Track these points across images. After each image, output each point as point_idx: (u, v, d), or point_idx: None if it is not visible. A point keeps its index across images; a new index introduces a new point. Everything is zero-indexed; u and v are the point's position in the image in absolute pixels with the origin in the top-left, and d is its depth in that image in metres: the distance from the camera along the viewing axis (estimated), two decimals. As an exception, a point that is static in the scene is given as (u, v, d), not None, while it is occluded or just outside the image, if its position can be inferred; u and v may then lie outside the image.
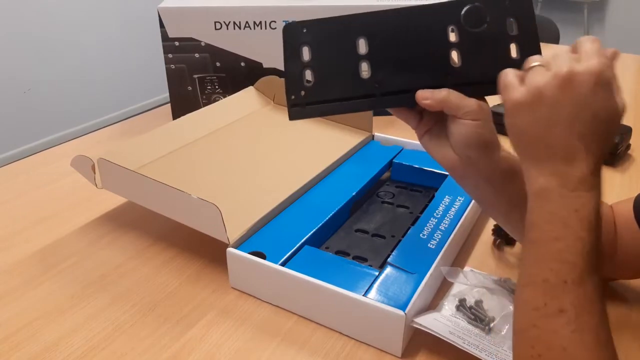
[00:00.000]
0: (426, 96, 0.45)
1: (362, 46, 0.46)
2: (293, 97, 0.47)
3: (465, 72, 0.45)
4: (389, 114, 0.50)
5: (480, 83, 0.45)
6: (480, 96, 0.45)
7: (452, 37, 0.45)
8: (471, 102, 0.44)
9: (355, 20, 0.46)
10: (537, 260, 0.38)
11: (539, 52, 0.44)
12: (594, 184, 0.38)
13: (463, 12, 0.45)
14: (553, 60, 0.39)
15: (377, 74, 0.46)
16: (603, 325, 0.37)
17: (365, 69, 0.46)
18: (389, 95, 0.46)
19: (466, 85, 0.45)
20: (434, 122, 0.48)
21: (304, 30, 0.46)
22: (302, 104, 0.47)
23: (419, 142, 0.50)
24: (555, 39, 2.09)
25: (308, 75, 0.46)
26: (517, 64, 0.43)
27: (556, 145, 0.38)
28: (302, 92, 0.47)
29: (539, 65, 0.40)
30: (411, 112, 0.48)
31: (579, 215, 0.37)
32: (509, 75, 0.41)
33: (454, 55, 0.45)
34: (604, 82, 0.37)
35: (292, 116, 0.47)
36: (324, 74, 0.46)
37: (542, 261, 0.38)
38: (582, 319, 0.36)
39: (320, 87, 0.47)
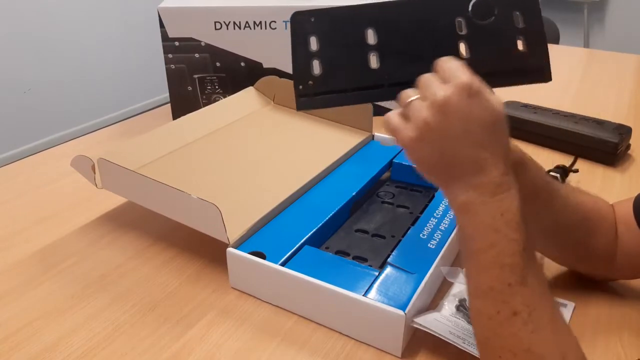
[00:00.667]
0: None
1: (371, 36, 0.46)
2: (301, 87, 0.46)
3: (474, 63, 0.45)
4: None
5: (488, 75, 0.45)
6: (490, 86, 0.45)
7: (461, 29, 0.45)
8: None
9: (364, 10, 0.46)
10: (478, 270, 0.40)
11: (544, 45, 0.45)
12: (510, 183, 0.40)
13: (471, 4, 0.45)
14: (426, 90, 0.41)
15: (385, 64, 0.46)
16: (556, 315, 0.38)
17: (373, 60, 0.46)
18: (398, 85, 0.45)
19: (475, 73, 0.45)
20: None
21: (312, 20, 0.46)
22: (310, 94, 0.47)
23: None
24: (555, 39, 2.09)
25: (316, 65, 0.46)
26: (524, 57, 0.44)
27: (462, 163, 0.40)
28: (310, 82, 0.46)
29: (415, 99, 0.41)
30: None
31: (505, 218, 0.39)
32: (392, 119, 0.43)
33: (462, 47, 0.45)
34: (475, 92, 0.39)
35: (300, 106, 0.47)
36: (332, 64, 0.46)
37: (483, 270, 0.39)
38: (536, 316, 0.37)
39: (328, 78, 0.46)
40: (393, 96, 0.46)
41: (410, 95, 0.42)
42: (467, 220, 0.40)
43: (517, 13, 0.45)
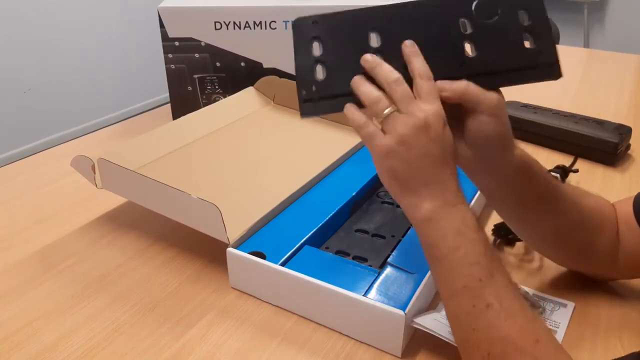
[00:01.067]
0: (444, 87, 0.44)
1: (374, 40, 0.45)
2: (304, 92, 0.46)
3: (481, 62, 0.45)
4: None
5: (496, 73, 0.45)
6: (496, 87, 0.45)
7: (466, 28, 0.45)
8: (492, 96, 0.44)
9: (367, 14, 0.45)
10: (448, 272, 0.42)
11: (552, 41, 0.45)
12: (463, 195, 0.44)
13: (475, 4, 0.45)
14: (405, 107, 0.43)
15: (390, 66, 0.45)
16: (523, 305, 0.41)
17: None
18: None
19: (482, 75, 0.44)
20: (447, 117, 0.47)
21: (314, 24, 0.45)
22: (314, 99, 0.46)
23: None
24: (555, 39, 2.09)
25: (319, 70, 0.46)
26: (532, 54, 0.44)
27: (429, 176, 0.43)
28: (314, 87, 0.46)
29: (394, 112, 0.43)
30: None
31: (466, 223, 0.42)
32: (369, 126, 0.44)
33: (468, 47, 0.45)
34: (445, 121, 0.43)
35: (304, 112, 0.46)
36: (335, 68, 0.46)
37: (453, 271, 0.42)
38: (507, 305, 0.40)
39: (332, 82, 0.46)
40: None
41: (383, 106, 0.44)
42: (431, 228, 0.43)
43: (522, 11, 0.45)
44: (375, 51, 0.45)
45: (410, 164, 0.43)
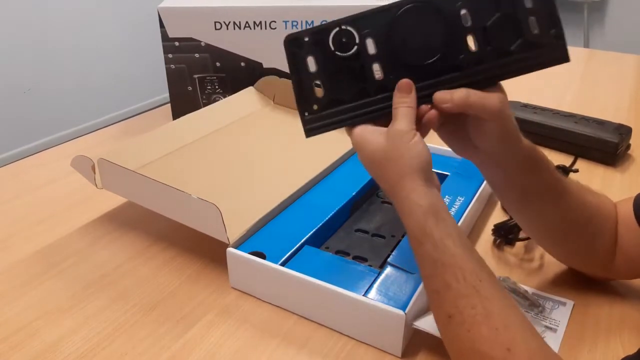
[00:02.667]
0: (445, 99, 0.43)
1: (371, 46, 0.44)
2: (306, 113, 0.45)
3: (484, 55, 0.43)
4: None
5: (502, 65, 0.43)
6: (501, 79, 0.44)
7: (467, 21, 0.43)
8: (493, 101, 0.43)
9: (359, 21, 0.44)
10: (422, 272, 0.44)
11: (559, 23, 0.43)
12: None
13: None
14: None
15: (390, 72, 0.44)
16: (491, 311, 0.38)
17: (377, 70, 0.44)
18: None
19: (486, 68, 0.43)
20: (450, 116, 0.46)
21: (306, 40, 0.44)
22: (317, 119, 0.45)
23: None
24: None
25: (318, 86, 0.44)
26: (538, 39, 0.43)
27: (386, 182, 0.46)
28: (315, 106, 0.45)
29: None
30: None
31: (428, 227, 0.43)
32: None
33: (470, 40, 0.43)
34: (362, 145, 0.46)
35: (309, 133, 0.45)
36: (335, 83, 0.44)
37: (423, 278, 0.43)
38: (467, 315, 0.38)
39: (332, 98, 0.44)
40: None
41: None
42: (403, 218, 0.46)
43: None
44: (373, 58, 0.44)
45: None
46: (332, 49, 0.44)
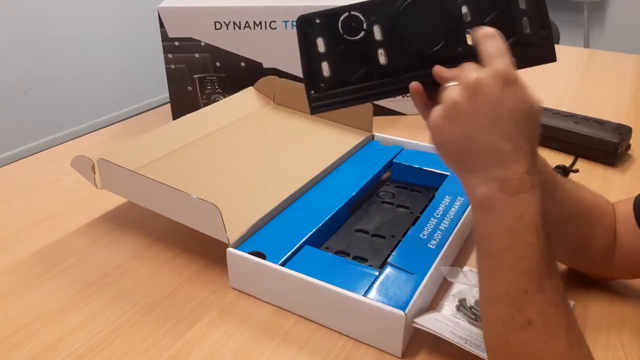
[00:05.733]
0: (414, 87, 0.44)
1: (377, 33, 0.46)
2: (312, 91, 0.46)
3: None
4: (390, 114, 0.50)
5: None
6: None
7: (466, 16, 0.45)
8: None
9: (367, 8, 0.46)
10: (494, 273, 0.39)
11: (549, 25, 0.45)
12: (532, 183, 0.38)
13: None
14: (461, 73, 0.40)
15: (394, 59, 0.46)
16: (571, 325, 0.37)
17: (382, 55, 0.46)
18: (409, 79, 0.46)
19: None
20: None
21: (317, 22, 0.46)
22: (322, 97, 0.47)
23: (419, 142, 0.50)
24: (555, 39, 2.08)
25: (325, 67, 0.46)
26: (529, 38, 0.45)
27: (484, 152, 0.38)
28: (322, 85, 0.46)
29: (453, 85, 0.41)
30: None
31: (524, 220, 0.37)
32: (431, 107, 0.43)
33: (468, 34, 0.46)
34: (510, 81, 0.38)
35: (314, 110, 0.47)
36: (341, 64, 0.46)
37: (500, 274, 0.38)
38: (551, 326, 0.36)
39: (339, 79, 0.46)
40: (405, 90, 0.47)
41: (450, 80, 0.42)
42: (484, 218, 0.39)
43: None
44: (379, 44, 0.46)
45: (461, 134, 0.39)
46: (341, 32, 0.46)
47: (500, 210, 0.38)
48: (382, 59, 0.46)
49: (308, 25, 0.46)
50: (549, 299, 0.36)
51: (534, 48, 0.46)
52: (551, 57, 0.46)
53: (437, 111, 0.41)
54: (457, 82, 0.41)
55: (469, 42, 0.45)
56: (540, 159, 0.49)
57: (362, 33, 0.46)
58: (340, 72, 0.46)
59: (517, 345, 0.36)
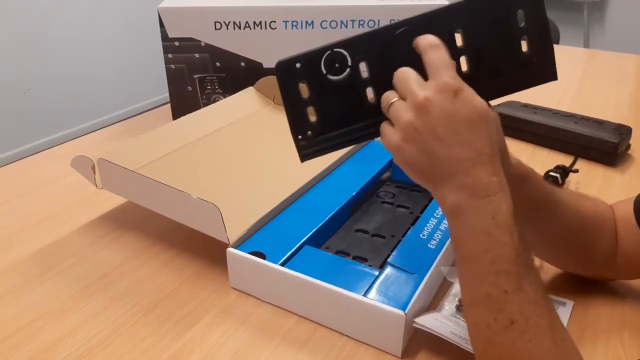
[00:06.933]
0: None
1: (363, 70, 0.43)
2: (300, 137, 0.44)
3: (475, 75, 0.43)
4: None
5: (493, 85, 0.43)
6: (492, 98, 0.43)
7: (459, 41, 0.43)
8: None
9: (352, 43, 0.43)
10: (473, 277, 0.39)
11: (549, 42, 0.43)
12: (500, 184, 0.39)
13: (464, 10, 0.42)
14: (405, 90, 0.40)
15: (383, 94, 0.43)
16: (554, 322, 0.37)
17: (370, 93, 0.44)
18: None
19: (478, 87, 0.42)
20: None
21: (298, 66, 0.43)
22: (311, 144, 0.45)
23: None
24: (555, 39, 2.09)
25: (311, 112, 0.44)
26: (529, 58, 0.43)
27: (449, 163, 0.39)
28: (309, 132, 0.44)
29: (396, 100, 0.41)
30: None
31: (496, 221, 0.38)
32: (383, 125, 0.42)
33: (463, 61, 0.43)
34: (458, 91, 0.39)
35: (304, 158, 0.45)
36: (328, 108, 0.44)
37: (479, 277, 0.38)
38: (534, 324, 0.36)
39: (326, 123, 0.44)
40: None
41: (390, 97, 0.41)
42: (457, 223, 0.39)
43: (520, 11, 0.42)
44: (366, 81, 0.43)
45: (423, 152, 0.39)
46: (325, 72, 0.43)
47: (472, 215, 0.38)
48: (370, 96, 0.43)
49: (288, 71, 0.43)
50: (529, 297, 0.37)
51: (534, 68, 0.43)
52: (552, 76, 0.44)
53: (394, 134, 0.41)
54: (397, 98, 0.41)
55: (465, 68, 0.43)
56: (539, 178, 0.49)
57: (348, 71, 0.43)
58: (328, 116, 0.44)
59: (503, 346, 0.37)
